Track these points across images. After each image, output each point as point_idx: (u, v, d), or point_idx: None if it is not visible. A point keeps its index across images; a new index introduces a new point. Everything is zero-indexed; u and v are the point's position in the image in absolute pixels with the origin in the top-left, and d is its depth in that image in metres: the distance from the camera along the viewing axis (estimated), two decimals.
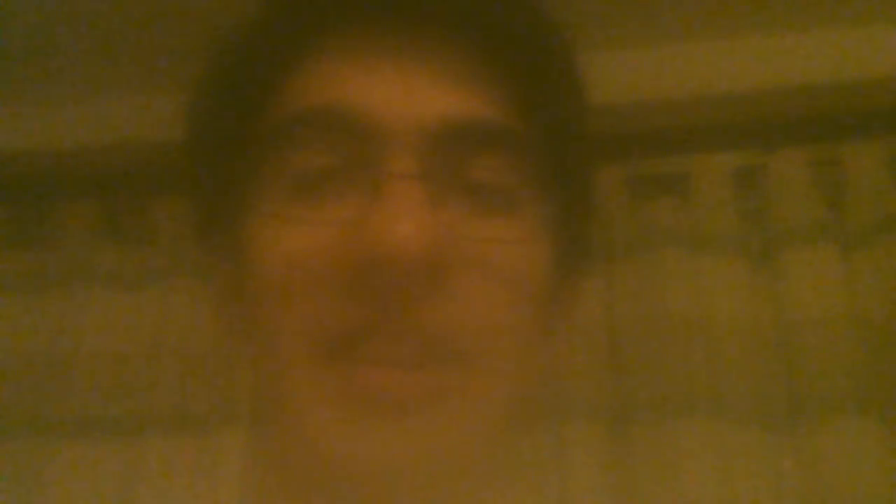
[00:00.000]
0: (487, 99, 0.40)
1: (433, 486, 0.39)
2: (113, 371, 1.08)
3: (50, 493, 1.03)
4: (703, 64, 1.07)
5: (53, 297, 1.14)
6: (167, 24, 1.04)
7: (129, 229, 1.17)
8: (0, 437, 1.07)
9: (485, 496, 0.42)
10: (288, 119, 0.41)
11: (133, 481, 1.03)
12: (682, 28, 1.06)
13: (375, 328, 0.37)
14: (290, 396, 0.39)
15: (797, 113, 1.08)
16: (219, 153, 0.44)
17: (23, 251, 1.18)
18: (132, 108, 1.14)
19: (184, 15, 1.00)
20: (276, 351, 0.39)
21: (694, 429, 0.96)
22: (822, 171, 1.06)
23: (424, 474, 0.38)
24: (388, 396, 0.37)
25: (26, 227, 1.19)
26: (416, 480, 0.38)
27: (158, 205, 1.17)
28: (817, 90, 1.05)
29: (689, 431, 0.96)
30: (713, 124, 1.10)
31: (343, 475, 0.38)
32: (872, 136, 1.06)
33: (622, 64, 1.05)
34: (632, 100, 1.05)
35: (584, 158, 0.47)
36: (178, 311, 1.10)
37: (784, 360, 0.99)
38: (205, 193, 0.46)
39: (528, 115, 0.41)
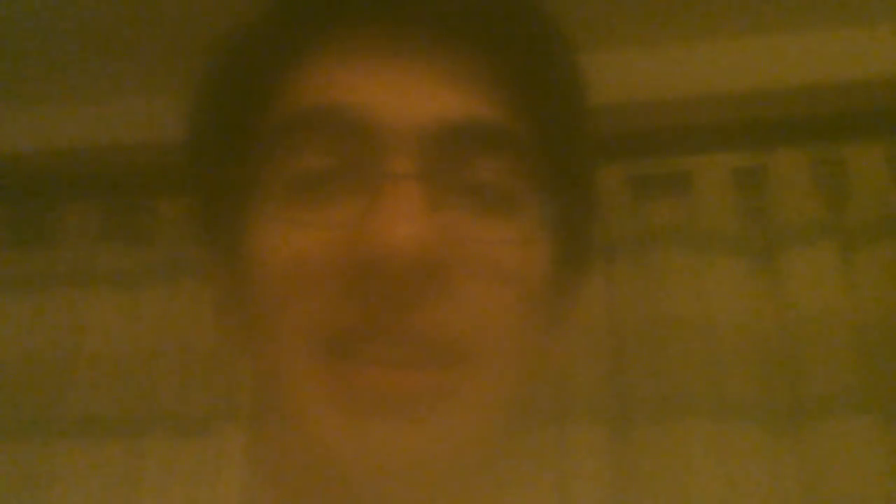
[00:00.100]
0: (486, 99, 0.40)
1: (433, 485, 0.39)
2: (113, 371, 1.08)
3: (51, 492, 1.03)
4: (704, 64, 1.07)
5: (54, 297, 1.14)
6: (168, 24, 1.04)
7: (129, 229, 1.17)
8: (0, 437, 1.07)
9: (486, 496, 0.42)
10: (287, 120, 0.41)
11: (134, 481, 1.03)
12: (684, 28, 1.06)
13: (375, 329, 0.37)
14: (290, 397, 0.39)
15: (798, 113, 1.08)
16: (219, 155, 0.44)
17: (23, 251, 1.18)
18: (132, 108, 1.14)
19: (184, 16, 1.00)
20: (276, 351, 0.39)
21: (695, 428, 0.96)
22: (823, 171, 1.06)
23: (425, 474, 0.38)
24: (389, 396, 0.37)
25: (26, 227, 1.19)
26: (416, 480, 0.38)
27: (158, 205, 1.17)
28: (818, 90, 1.05)
29: (690, 431, 0.96)
30: (714, 124, 1.10)
31: (343, 475, 0.38)
32: (873, 137, 1.06)
33: (623, 64, 1.05)
34: (633, 100, 1.05)
35: (584, 158, 0.47)
36: (179, 311, 1.10)
37: (785, 359, 0.99)
38: (205, 195, 0.46)
39: (528, 116, 0.41)
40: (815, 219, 1.03)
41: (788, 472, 0.96)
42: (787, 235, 1.03)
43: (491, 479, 0.43)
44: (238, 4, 0.44)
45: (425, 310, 0.37)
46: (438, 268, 0.37)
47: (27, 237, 1.19)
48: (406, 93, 0.39)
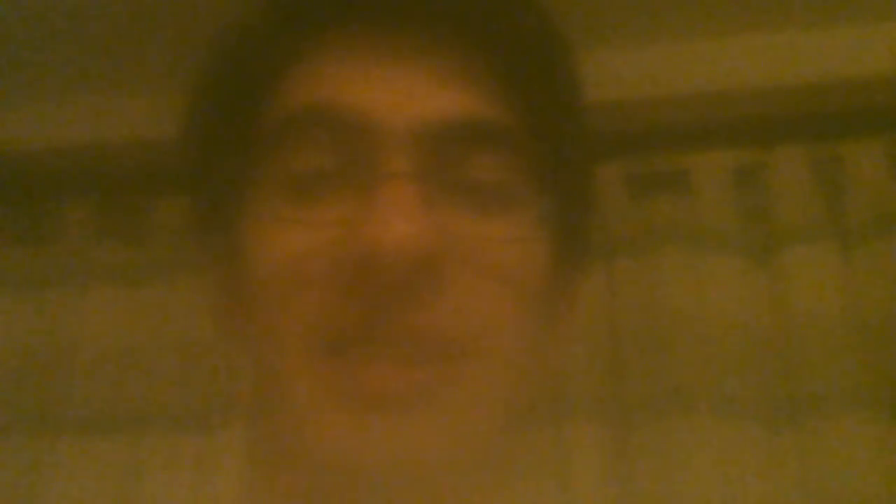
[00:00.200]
0: (482, 97, 0.40)
1: (432, 483, 0.39)
2: (113, 369, 1.08)
3: (50, 490, 1.03)
4: (703, 61, 1.07)
5: (53, 295, 1.14)
6: (166, 23, 1.04)
7: (129, 228, 1.17)
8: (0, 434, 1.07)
9: (485, 494, 0.42)
10: (283, 119, 0.41)
11: (133, 479, 1.03)
12: (683, 25, 1.06)
13: (372, 327, 0.37)
14: (288, 395, 0.39)
15: (797, 111, 1.08)
16: (216, 153, 0.44)
17: (22, 249, 1.18)
18: (130, 106, 1.14)
19: (183, 14, 1.00)
20: (274, 350, 0.40)
21: (695, 427, 0.96)
22: (823, 169, 1.06)
23: (423, 472, 0.38)
24: (387, 394, 0.37)
25: (26, 226, 1.19)
26: (415, 478, 0.38)
27: (157, 202, 1.17)
28: (818, 88, 1.05)
29: (689, 429, 0.95)
30: (713, 122, 1.09)
31: (343, 473, 0.38)
32: (873, 135, 1.05)
33: (622, 61, 1.05)
34: (631, 97, 1.05)
35: (581, 156, 0.47)
36: (179, 309, 1.10)
37: (784, 356, 0.99)
38: (203, 194, 0.47)
39: (524, 113, 0.41)
40: (814, 216, 1.03)
41: (788, 469, 0.96)
42: (787, 233, 1.03)
43: (490, 476, 0.43)
44: (236, 3, 0.44)
45: (422, 308, 0.37)
46: (435, 266, 0.37)
47: (24, 235, 1.19)
48: (402, 91, 0.39)
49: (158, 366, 1.08)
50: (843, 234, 1.03)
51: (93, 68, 1.13)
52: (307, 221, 0.38)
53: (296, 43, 0.42)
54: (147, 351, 1.09)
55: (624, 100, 1.04)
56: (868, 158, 1.04)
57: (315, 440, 0.39)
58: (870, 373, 0.96)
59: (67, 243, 1.17)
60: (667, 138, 1.10)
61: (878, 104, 1.05)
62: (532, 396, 0.48)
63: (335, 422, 0.38)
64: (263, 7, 0.44)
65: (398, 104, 0.39)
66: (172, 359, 1.08)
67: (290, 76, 0.42)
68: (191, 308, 1.09)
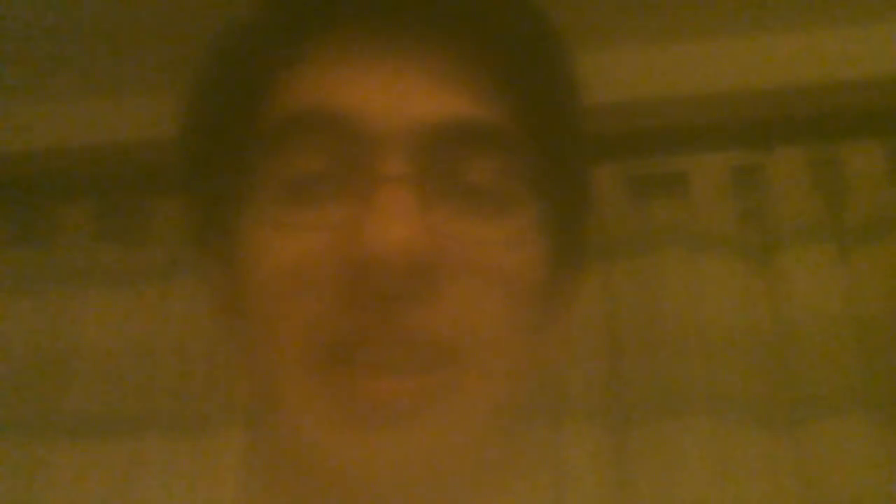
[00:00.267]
0: (479, 100, 0.40)
1: (430, 488, 0.39)
2: (111, 371, 1.08)
3: (48, 492, 1.03)
4: (701, 63, 1.07)
5: (52, 296, 1.14)
6: (166, 24, 1.04)
7: (126, 228, 1.17)
8: None
9: (482, 498, 0.42)
10: (279, 123, 0.41)
11: (131, 481, 1.03)
12: (681, 27, 1.06)
13: (369, 333, 0.37)
14: (286, 402, 0.39)
15: (796, 112, 1.08)
16: (213, 157, 0.44)
17: (21, 251, 1.18)
18: (131, 107, 1.14)
19: (183, 15, 1.00)
20: (271, 356, 0.39)
21: (693, 428, 0.95)
22: (821, 171, 1.06)
23: (422, 478, 0.38)
24: (384, 402, 0.37)
25: (25, 227, 1.19)
26: (413, 485, 0.38)
27: (156, 204, 1.17)
28: (816, 89, 1.05)
29: (687, 431, 0.95)
30: (712, 123, 1.09)
31: (340, 481, 0.38)
32: (871, 136, 1.05)
33: (620, 62, 1.05)
34: (630, 99, 1.05)
35: (578, 158, 0.47)
36: (177, 310, 1.10)
37: (782, 357, 0.99)
38: (200, 197, 0.46)
39: (521, 116, 0.41)
40: (812, 218, 1.03)
41: (787, 470, 0.95)
42: (785, 234, 1.03)
43: (488, 478, 0.43)
44: (235, 5, 0.44)
45: (418, 312, 0.37)
46: (431, 269, 0.37)
47: (23, 236, 1.19)
48: (398, 94, 0.39)
49: (157, 368, 1.08)
50: (841, 235, 1.03)
51: (93, 69, 1.13)
52: (303, 224, 0.38)
53: (293, 46, 0.42)
54: (145, 353, 1.09)
55: (622, 101, 1.04)
56: (866, 160, 1.04)
57: (312, 448, 0.38)
58: (868, 374, 0.96)
59: (66, 244, 1.17)
60: (665, 140, 1.10)
61: (877, 106, 1.05)
62: (530, 399, 0.48)
63: (333, 430, 0.37)
64: (260, 10, 0.44)
65: (394, 107, 0.39)
66: (171, 361, 1.08)
67: (286, 79, 0.41)
68: (189, 310, 1.09)
